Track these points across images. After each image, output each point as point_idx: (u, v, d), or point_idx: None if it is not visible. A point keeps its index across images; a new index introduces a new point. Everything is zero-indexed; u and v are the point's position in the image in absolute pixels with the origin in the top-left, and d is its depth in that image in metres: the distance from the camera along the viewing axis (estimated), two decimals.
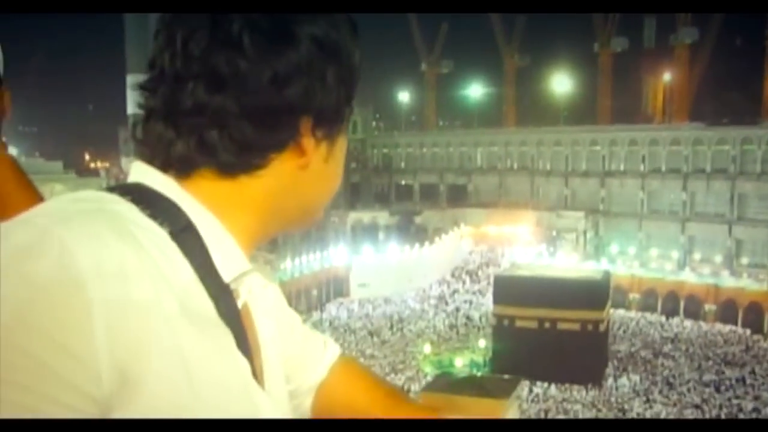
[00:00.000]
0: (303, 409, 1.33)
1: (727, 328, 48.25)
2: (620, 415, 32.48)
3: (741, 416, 32.71)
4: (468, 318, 50.45)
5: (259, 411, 0.91)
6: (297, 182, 0.93)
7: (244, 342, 0.90)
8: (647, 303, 52.78)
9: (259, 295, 1.05)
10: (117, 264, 0.74)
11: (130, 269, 0.75)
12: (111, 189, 0.87)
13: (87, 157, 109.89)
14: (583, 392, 35.16)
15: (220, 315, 0.85)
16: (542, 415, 31.79)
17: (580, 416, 32.15)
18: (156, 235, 0.81)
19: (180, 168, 0.89)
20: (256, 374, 0.93)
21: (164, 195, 0.87)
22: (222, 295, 0.87)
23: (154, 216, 0.83)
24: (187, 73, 0.86)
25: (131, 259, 0.75)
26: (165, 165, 0.90)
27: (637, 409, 33.23)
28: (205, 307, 0.84)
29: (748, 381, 37.89)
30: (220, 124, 0.86)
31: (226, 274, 0.88)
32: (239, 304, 0.92)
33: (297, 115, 0.89)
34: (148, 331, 0.74)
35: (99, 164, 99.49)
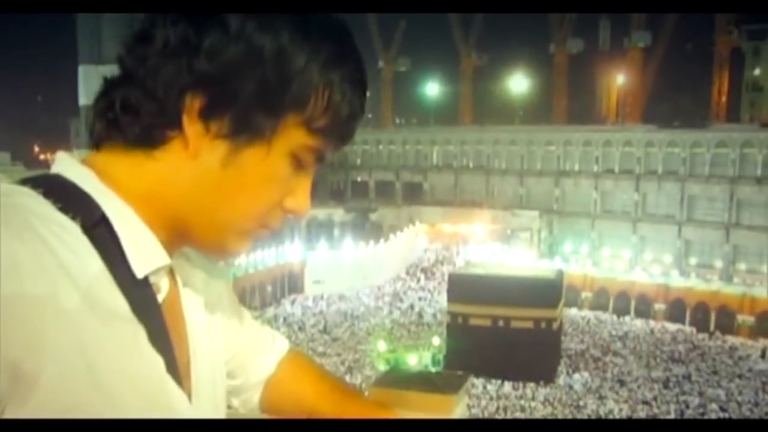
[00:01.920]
0: (251, 404, 1.32)
1: (675, 326, 49.24)
2: (575, 412, 32.91)
3: (688, 412, 33.39)
4: (422, 316, 50.59)
5: (173, 406, 0.88)
6: (189, 177, 0.88)
7: (162, 337, 0.87)
8: (599, 302, 53.56)
9: (199, 289, 1.04)
10: (8, 259, 0.71)
11: (22, 264, 0.71)
12: (24, 181, 0.83)
13: (36, 149, 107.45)
14: (537, 390, 35.50)
15: (132, 310, 0.82)
16: (501, 413, 32.05)
17: (538, 413, 32.50)
18: (63, 228, 0.78)
19: (95, 147, 0.90)
20: (178, 369, 0.90)
21: (79, 187, 0.84)
22: (135, 289, 0.83)
23: (65, 210, 0.79)
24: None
25: (24, 254, 0.72)
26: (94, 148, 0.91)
27: (591, 406, 33.69)
28: (114, 302, 0.80)
29: (694, 378, 38.72)
30: (122, 93, 0.87)
31: (140, 268, 0.84)
32: (160, 298, 0.90)
33: (180, 88, 0.85)
34: (42, 326, 0.72)
35: (49, 156, 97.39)
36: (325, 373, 1.39)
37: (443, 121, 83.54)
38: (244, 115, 0.85)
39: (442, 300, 45.68)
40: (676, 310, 50.45)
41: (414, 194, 70.61)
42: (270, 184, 0.90)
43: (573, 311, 50.62)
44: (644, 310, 51.70)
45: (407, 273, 60.11)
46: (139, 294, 0.84)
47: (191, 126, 0.85)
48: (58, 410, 0.73)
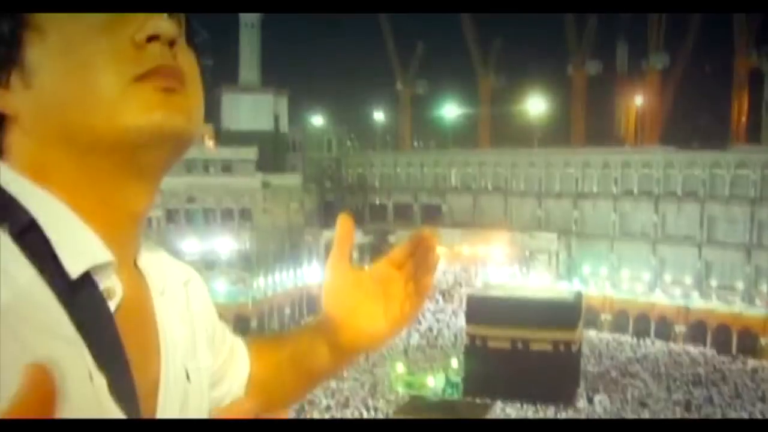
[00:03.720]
0: None
1: (696, 349, 48.77)
2: None
3: None
4: (441, 337, 50.48)
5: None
6: (38, 128, 0.79)
7: (110, 351, 0.76)
8: (619, 324, 53.22)
9: (179, 298, 0.96)
10: None
11: None
12: None
13: None
14: (558, 413, 35.26)
15: (72, 320, 0.72)
16: None
17: None
18: None
19: None
20: (133, 387, 0.78)
21: (5, 191, 0.76)
22: (75, 296, 0.73)
23: None
24: None
25: None
26: None
27: None
28: (47, 315, 0.70)
29: (716, 401, 38.31)
30: None
31: (75, 269, 0.74)
32: (112, 305, 0.78)
33: None
34: None
35: None
36: (265, 342, 1.30)
37: (462, 143, 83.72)
38: None
39: (461, 322, 45.60)
40: (697, 332, 50.00)
41: (432, 216, 70.59)
42: (76, 46, 0.77)
43: (592, 333, 50.32)
44: (664, 332, 51.28)
45: None
46: (81, 301, 0.74)
47: None
48: None
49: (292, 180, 68.05)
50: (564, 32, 78.88)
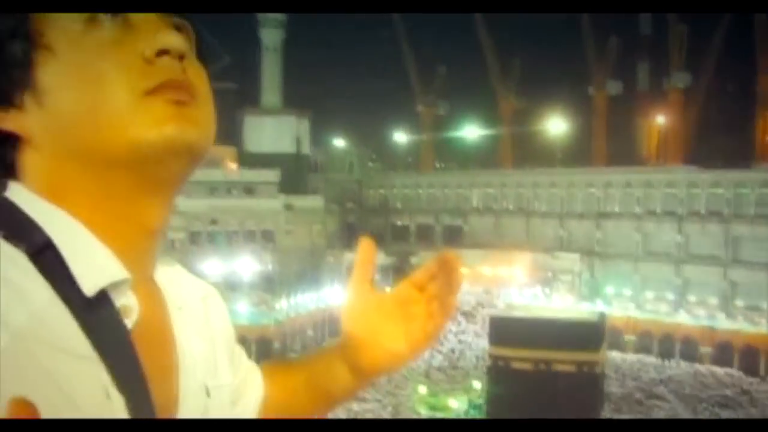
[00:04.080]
0: None
1: (723, 370, 48.17)
2: None
3: None
4: (463, 359, 50.28)
5: None
6: (54, 150, 0.80)
7: (128, 370, 0.76)
8: (643, 345, 52.75)
9: (198, 313, 0.96)
10: None
11: None
12: None
13: None
14: None
15: (90, 340, 0.72)
16: None
17: None
18: (7, 258, 0.72)
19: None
20: (152, 407, 0.78)
21: (23, 212, 0.78)
22: (92, 315, 0.74)
23: (8, 237, 0.74)
24: None
25: None
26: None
27: None
28: (64, 335, 0.71)
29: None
30: None
31: (90, 287, 0.75)
32: (129, 323, 0.79)
33: None
34: None
35: None
36: (280, 366, 1.30)
37: (483, 164, 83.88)
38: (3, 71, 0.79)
39: (484, 343, 45.43)
40: (724, 353, 49.39)
41: (454, 237, 70.55)
42: (86, 63, 0.78)
43: (616, 354, 49.90)
44: (690, 353, 50.72)
45: None
46: (97, 319, 0.75)
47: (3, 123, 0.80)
48: None
49: (314, 202, 68.39)
50: (584, 52, 79.01)
